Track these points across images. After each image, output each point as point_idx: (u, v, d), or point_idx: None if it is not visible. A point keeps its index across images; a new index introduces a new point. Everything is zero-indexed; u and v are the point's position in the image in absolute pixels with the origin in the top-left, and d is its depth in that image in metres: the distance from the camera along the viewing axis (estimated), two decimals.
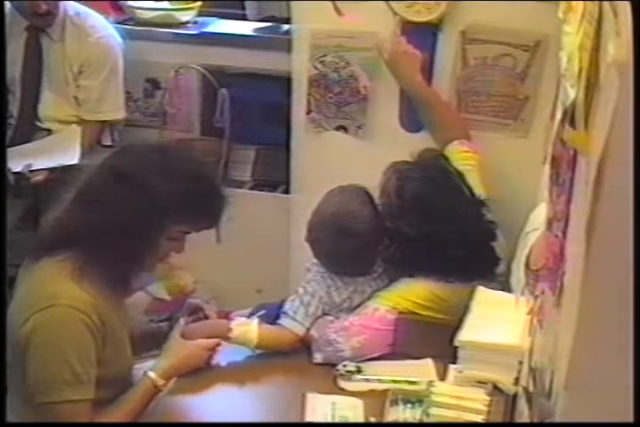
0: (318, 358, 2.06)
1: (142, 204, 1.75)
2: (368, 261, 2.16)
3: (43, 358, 1.73)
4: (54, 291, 1.75)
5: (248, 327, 2.05)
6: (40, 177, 2.79)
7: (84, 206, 1.80)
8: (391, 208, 2.10)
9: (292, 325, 2.08)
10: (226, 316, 2.14)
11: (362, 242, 2.09)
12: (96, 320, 1.75)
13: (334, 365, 2.01)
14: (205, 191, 1.84)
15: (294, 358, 2.09)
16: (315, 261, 2.17)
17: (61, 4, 2.91)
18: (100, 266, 1.77)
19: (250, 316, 2.19)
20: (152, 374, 1.86)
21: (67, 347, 1.73)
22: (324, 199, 2.17)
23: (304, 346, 2.09)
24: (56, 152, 2.86)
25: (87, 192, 1.82)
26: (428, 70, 2.42)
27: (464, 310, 1.95)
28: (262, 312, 2.20)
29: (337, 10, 2.43)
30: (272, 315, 2.15)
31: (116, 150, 1.93)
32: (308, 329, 2.08)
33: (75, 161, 2.80)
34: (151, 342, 2.07)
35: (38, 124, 2.99)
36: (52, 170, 2.80)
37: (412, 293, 2.11)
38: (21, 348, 1.73)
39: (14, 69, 2.93)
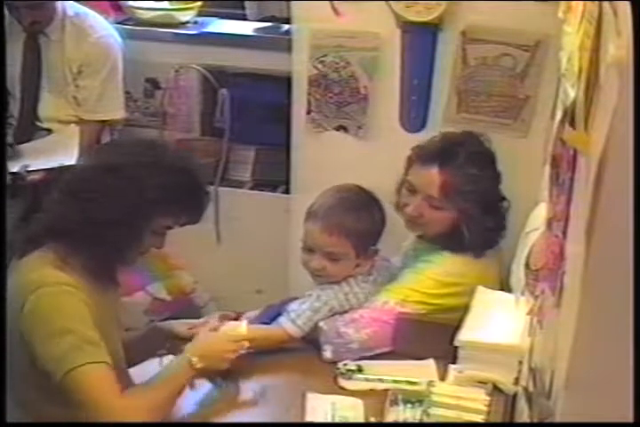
0: (327, 350, 2.05)
1: (129, 195, 1.77)
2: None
3: (48, 334, 1.72)
4: (39, 275, 1.76)
5: (238, 329, 2.03)
6: (36, 177, 2.79)
7: (70, 198, 1.82)
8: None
9: (290, 326, 2.07)
10: (236, 318, 2.13)
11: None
12: (85, 298, 1.75)
13: (335, 363, 2.01)
14: (191, 184, 1.86)
15: (294, 358, 2.08)
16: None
17: (60, 4, 2.91)
18: (82, 256, 1.78)
19: (258, 317, 2.19)
20: (187, 355, 1.82)
21: (67, 318, 1.73)
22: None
23: (304, 346, 2.09)
24: (55, 152, 2.85)
25: (74, 184, 1.84)
26: (428, 70, 2.43)
27: (464, 311, 1.95)
28: (268, 313, 2.20)
29: (334, 10, 2.43)
30: (275, 315, 2.15)
31: (104, 144, 1.94)
32: (306, 333, 2.08)
33: (74, 161, 2.79)
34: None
35: (38, 124, 2.98)
36: (49, 170, 2.80)
37: (419, 283, 2.13)
38: (26, 335, 1.72)
39: (14, 70, 2.92)
